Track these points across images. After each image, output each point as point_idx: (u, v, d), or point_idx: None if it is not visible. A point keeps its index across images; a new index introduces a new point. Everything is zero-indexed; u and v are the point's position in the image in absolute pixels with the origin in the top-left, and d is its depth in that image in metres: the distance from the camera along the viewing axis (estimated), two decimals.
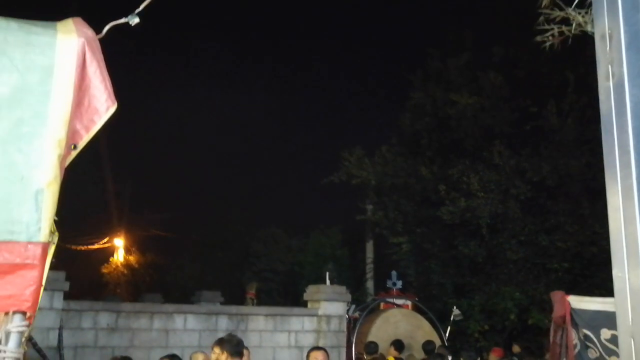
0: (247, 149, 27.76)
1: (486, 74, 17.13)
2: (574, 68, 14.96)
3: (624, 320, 2.78)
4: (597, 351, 4.53)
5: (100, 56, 1.97)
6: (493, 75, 17.02)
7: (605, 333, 4.43)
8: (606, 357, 4.36)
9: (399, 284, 13.83)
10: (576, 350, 4.75)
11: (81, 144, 1.96)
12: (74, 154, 1.95)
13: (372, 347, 9.18)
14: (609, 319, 4.34)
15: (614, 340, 4.58)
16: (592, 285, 13.73)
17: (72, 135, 1.92)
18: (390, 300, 13.26)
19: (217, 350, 5.46)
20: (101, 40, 2.03)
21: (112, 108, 1.98)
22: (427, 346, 9.86)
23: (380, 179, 17.92)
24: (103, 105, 1.96)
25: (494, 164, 15.94)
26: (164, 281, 23.79)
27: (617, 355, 4.12)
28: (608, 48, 3.12)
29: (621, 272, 2.86)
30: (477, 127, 17.15)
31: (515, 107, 16.88)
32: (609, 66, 3.10)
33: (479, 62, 17.70)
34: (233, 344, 5.51)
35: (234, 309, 10.81)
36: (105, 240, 26.05)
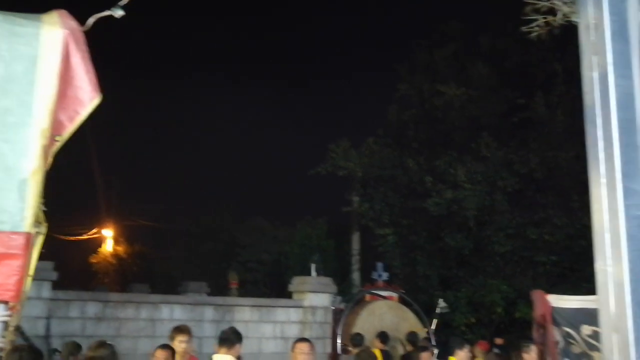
0: (234, 141, 27.68)
1: (474, 65, 17.14)
2: (563, 59, 14.96)
3: (606, 313, 2.81)
4: (579, 347, 4.59)
5: (85, 48, 1.97)
6: (481, 66, 17.03)
7: (586, 329, 4.48)
8: (589, 352, 4.43)
9: (385, 275, 13.85)
10: (560, 347, 4.80)
11: (65, 135, 1.96)
12: (58, 145, 1.95)
13: (357, 339, 9.20)
14: (589, 316, 4.41)
15: (594, 336, 4.64)
16: (580, 278, 13.76)
17: (56, 126, 1.92)
18: (376, 292, 13.28)
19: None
20: (86, 33, 2.02)
21: (96, 99, 1.97)
22: (411, 337, 9.91)
23: (366, 170, 17.92)
24: (87, 97, 1.95)
25: (481, 156, 15.96)
26: (151, 271, 23.81)
27: (599, 350, 4.18)
28: (593, 38, 3.13)
29: (604, 265, 2.89)
30: (464, 119, 17.18)
31: (503, 99, 16.90)
32: (594, 56, 3.12)
33: (467, 52, 17.71)
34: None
35: (220, 299, 10.83)
36: (94, 230, 26.02)
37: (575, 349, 4.65)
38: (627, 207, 2.77)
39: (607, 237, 2.83)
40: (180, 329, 6.36)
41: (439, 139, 17.60)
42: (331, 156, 18.13)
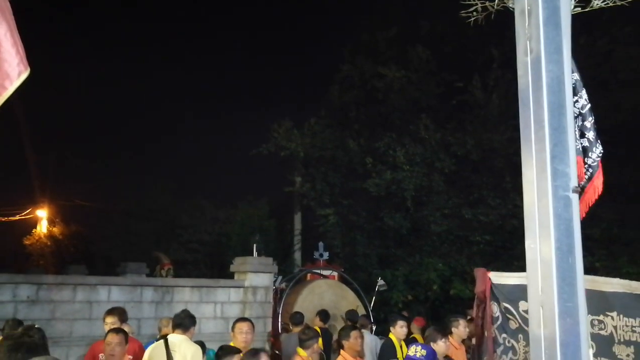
0: (175, 120, 27.19)
1: (414, 48, 17.33)
2: (500, 44, 15.31)
3: (535, 289, 2.93)
4: (516, 322, 4.80)
5: (11, 18, 1.86)
6: (421, 49, 17.23)
7: (523, 305, 4.68)
8: (525, 327, 4.63)
9: (326, 255, 13.97)
10: (498, 322, 5.00)
11: None
12: None
13: (297, 318, 9.26)
14: (526, 292, 4.61)
15: None
16: (512, 257, 14.26)
17: None
18: (317, 271, 13.41)
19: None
20: (13, 4, 1.91)
21: (25, 73, 1.88)
22: (350, 315, 10.06)
23: (308, 151, 17.96)
24: (14, 70, 1.86)
25: (420, 138, 16.23)
26: (89, 252, 23.30)
27: None
28: (527, 24, 3.22)
29: (533, 243, 3.00)
30: (404, 101, 17.39)
31: (442, 82, 17.20)
32: (528, 42, 3.20)
33: (408, 35, 17.87)
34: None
35: (159, 280, 10.73)
36: (28, 211, 25.19)
37: (513, 324, 4.85)
38: (555, 188, 2.87)
39: (536, 216, 2.94)
40: (110, 310, 6.33)
41: (379, 121, 17.79)
42: (273, 136, 18.07)
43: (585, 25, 14.03)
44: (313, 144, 17.96)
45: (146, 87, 26.95)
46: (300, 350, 6.40)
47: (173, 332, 5.91)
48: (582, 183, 3.05)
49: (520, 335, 4.55)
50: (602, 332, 3.94)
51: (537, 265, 2.91)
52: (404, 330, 7.17)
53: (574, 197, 2.90)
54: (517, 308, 4.57)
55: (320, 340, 6.75)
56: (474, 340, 6.92)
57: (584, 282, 2.88)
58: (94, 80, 27.49)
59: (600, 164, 3.15)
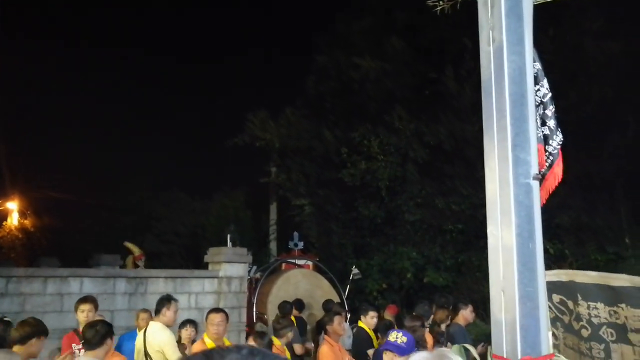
0: (149, 110, 26.92)
1: (389, 39, 17.38)
2: (473, 35, 15.37)
3: (496, 274, 3.01)
4: (553, 312, 4.96)
5: None
6: (395, 40, 17.29)
7: (556, 297, 4.85)
8: (560, 316, 4.82)
9: (301, 244, 14.01)
10: None
11: None
12: None
13: (287, 308, 9.38)
14: (558, 287, 4.82)
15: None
16: (484, 246, 14.45)
17: None
18: (292, 260, 13.45)
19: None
20: None
21: None
22: (326, 305, 10.15)
23: (284, 141, 17.98)
24: None
25: (394, 128, 16.35)
26: (62, 245, 22.96)
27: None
28: (490, 14, 3.28)
29: (495, 230, 3.08)
30: (379, 92, 17.46)
31: (416, 72, 17.27)
32: (490, 32, 3.27)
33: (383, 26, 17.92)
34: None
35: (132, 272, 10.64)
36: None
37: (550, 314, 5.09)
38: (517, 176, 2.94)
39: (498, 203, 3.01)
40: (84, 299, 6.30)
41: (354, 111, 17.85)
42: (248, 127, 18.04)
43: (554, 17, 14.21)
44: (289, 135, 17.98)
45: (120, 76, 26.63)
46: (275, 339, 6.45)
47: (155, 316, 6.05)
48: (543, 170, 3.13)
49: (558, 323, 4.82)
50: (618, 321, 4.28)
51: (498, 251, 2.99)
52: (375, 320, 7.27)
53: (535, 184, 2.98)
54: (551, 300, 4.81)
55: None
56: (443, 327, 7.05)
57: (544, 267, 2.97)
58: (65, 69, 27.03)
59: (560, 152, 3.23)
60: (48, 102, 26.01)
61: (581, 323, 4.50)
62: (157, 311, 5.96)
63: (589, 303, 4.41)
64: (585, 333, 4.48)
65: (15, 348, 4.40)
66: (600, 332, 4.38)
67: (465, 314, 6.85)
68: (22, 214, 25.62)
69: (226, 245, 11.18)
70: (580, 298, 4.46)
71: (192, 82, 29.51)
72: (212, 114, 28.44)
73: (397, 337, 4.21)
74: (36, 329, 4.69)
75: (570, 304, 4.50)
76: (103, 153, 25.37)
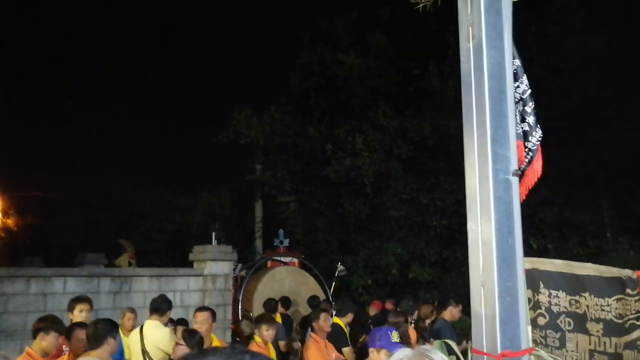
0: (134, 107, 26.68)
1: (373, 35, 17.40)
2: (455, 31, 15.41)
3: (476, 269, 3.02)
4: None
5: None
6: (379, 36, 17.31)
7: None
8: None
9: (286, 242, 14.00)
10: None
11: None
12: None
13: (272, 306, 9.36)
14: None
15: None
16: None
17: None
18: (277, 258, 13.44)
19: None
20: None
21: None
22: (312, 301, 10.15)
23: (268, 138, 17.94)
24: None
25: (379, 124, 16.37)
26: (46, 244, 22.75)
27: None
28: (469, 10, 3.29)
29: (475, 225, 3.08)
30: (363, 88, 17.49)
31: (400, 68, 17.32)
32: (470, 28, 3.27)
33: (367, 22, 17.92)
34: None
35: (116, 271, 10.62)
36: None
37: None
38: (496, 171, 2.95)
39: (478, 198, 3.01)
40: (80, 298, 6.25)
41: (339, 108, 17.85)
42: (233, 124, 17.98)
43: (537, 13, 14.30)
44: (273, 132, 17.94)
45: (102, 73, 26.35)
46: (257, 337, 6.46)
47: (150, 317, 6.03)
48: (523, 166, 3.14)
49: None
50: (578, 311, 4.37)
51: (478, 245, 2.99)
52: (349, 318, 7.43)
53: (514, 180, 2.99)
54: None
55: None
56: (427, 322, 7.08)
57: (523, 262, 2.98)
58: (48, 67, 26.72)
59: (539, 148, 3.24)
60: (31, 98, 25.71)
61: (539, 311, 4.58)
62: (158, 310, 5.99)
63: (550, 291, 4.51)
64: (542, 321, 4.56)
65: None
66: (558, 321, 4.48)
67: (454, 312, 6.87)
68: (5, 214, 25.31)
69: (211, 243, 11.17)
70: (542, 286, 4.54)
71: (174, 79, 29.30)
72: (196, 111, 28.29)
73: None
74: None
75: (529, 292, 4.57)
76: (86, 150, 25.13)
